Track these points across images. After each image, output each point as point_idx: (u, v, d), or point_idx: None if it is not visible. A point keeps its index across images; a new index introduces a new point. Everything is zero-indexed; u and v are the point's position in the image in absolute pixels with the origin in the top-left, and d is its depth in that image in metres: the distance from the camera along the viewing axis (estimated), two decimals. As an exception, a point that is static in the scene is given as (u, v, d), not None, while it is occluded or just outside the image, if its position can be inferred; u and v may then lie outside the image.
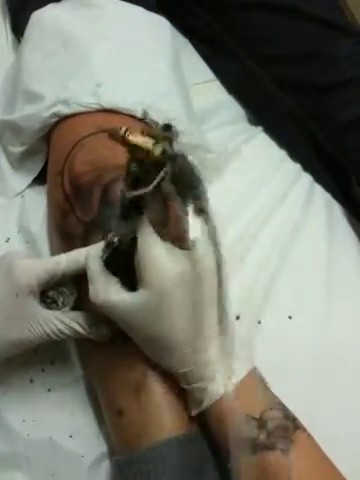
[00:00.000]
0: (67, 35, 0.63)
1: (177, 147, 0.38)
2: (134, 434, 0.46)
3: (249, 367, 0.45)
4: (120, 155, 0.54)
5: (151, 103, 0.59)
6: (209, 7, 0.77)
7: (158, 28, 0.68)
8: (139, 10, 0.67)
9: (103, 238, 0.43)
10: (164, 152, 0.36)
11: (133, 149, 0.37)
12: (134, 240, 0.42)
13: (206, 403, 0.44)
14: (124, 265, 0.43)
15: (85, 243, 0.50)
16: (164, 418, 0.46)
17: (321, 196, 0.72)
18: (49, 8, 0.66)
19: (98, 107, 0.57)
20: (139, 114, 0.58)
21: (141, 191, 0.38)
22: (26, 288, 0.46)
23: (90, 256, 0.45)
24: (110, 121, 0.57)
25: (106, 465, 0.51)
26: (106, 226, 0.51)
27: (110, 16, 0.65)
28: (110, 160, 0.53)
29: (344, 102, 0.71)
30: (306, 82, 0.73)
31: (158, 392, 0.46)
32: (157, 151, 0.36)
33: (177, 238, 0.45)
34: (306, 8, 0.72)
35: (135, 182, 0.39)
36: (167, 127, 0.37)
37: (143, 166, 0.38)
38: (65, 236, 0.54)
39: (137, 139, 0.36)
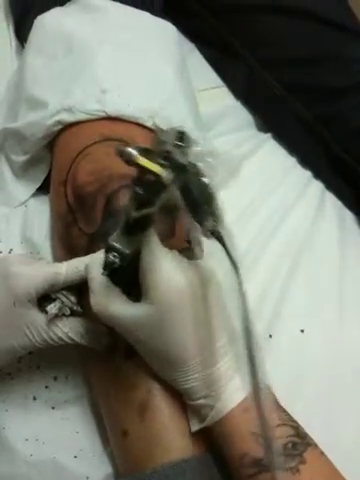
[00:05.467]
0: (71, 39, 0.61)
1: (191, 158, 0.36)
2: (139, 456, 0.44)
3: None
4: (124, 165, 0.53)
5: (157, 110, 0.57)
6: (217, 10, 0.76)
7: (164, 33, 0.67)
8: (145, 15, 0.65)
9: (106, 252, 0.41)
10: (175, 176, 0.34)
11: (142, 171, 0.35)
12: (138, 254, 0.40)
13: (210, 420, 0.42)
14: (127, 278, 0.41)
15: (88, 254, 0.48)
16: (170, 439, 0.44)
17: (333, 204, 0.70)
18: (53, 12, 0.65)
19: (103, 115, 0.55)
20: (145, 122, 0.56)
21: (146, 211, 0.37)
22: (24, 297, 0.45)
23: (91, 266, 0.43)
24: (115, 129, 0.55)
25: (111, 486, 0.49)
26: (109, 237, 0.50)
27: (115, 20, 0.63)
28: (114, 169, 0.52)
29: (356, 105, 0.69)
30: (317, 85, 0.71)
31: (164, 412, 0.44)
32: (167, 178, 0.34)
33: (184, 249, 0.44)
34: (318, 11, 0.71)
35: (140, 202, 0.37)
36: (180, 135, 0.35)
37: (149, 189, 0.36)
38: (68, 248, 0.53)
39: (146, 163, 0.34)
